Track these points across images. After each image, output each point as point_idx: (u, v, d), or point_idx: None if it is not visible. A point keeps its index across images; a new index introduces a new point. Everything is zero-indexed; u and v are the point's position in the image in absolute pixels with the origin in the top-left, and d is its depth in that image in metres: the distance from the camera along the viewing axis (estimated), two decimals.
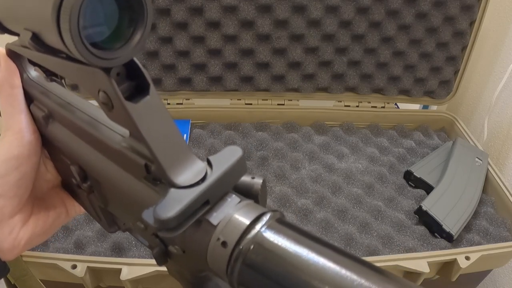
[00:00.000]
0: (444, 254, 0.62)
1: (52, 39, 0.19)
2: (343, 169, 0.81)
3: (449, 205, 0.71)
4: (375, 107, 0.94)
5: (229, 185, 0.21)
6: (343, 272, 0.16)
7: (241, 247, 0.19)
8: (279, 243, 0.18)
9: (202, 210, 0.20)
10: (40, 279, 0.57)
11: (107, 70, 0.19)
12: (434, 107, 1.04)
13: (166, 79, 0.86)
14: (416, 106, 1.05)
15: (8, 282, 0.54)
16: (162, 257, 0.25)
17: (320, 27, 0.83)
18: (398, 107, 1.01)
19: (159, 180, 0.21)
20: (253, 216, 0.19)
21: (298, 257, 0.17)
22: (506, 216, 0.73)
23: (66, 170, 0.31)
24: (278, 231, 0.19)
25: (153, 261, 0.58)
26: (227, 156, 0.21)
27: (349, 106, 0.94)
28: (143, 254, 0.63)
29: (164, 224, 0.18)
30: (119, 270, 0.56)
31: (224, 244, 0.19)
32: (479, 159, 0.81)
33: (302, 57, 0.87)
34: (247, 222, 0.19)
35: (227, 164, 0.21)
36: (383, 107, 0.95)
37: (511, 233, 0.70)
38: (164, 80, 0.86)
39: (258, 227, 0.19)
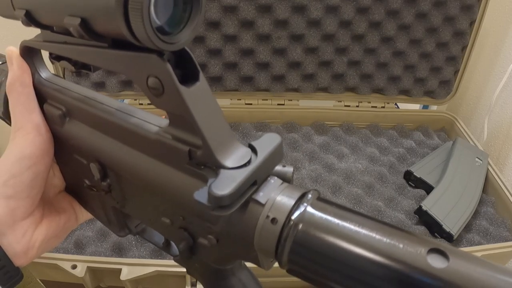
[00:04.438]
0: None
1: (108, 23, 0.19)
2: (343, 169, 0.81)
3: (449, 205, 0.71)
4: (375, 107, 0.94)
5: (271, 169, 0.22)
6: (389, 240, 0.18)
7: (291, 223, 0.19)
8: (327, 218, 0.19)
9: (250, 190, 0.21)
10: (40, 279, 0.57)
11: (161, 55, 0.19)
12: (434, 107, 1.04)
13: None
14: (416, 106, 1.05)
15: None
16: (187, 252, 0.26)
17: (320, 27, 0.83)
18: (398, 107, 1.01)
19: (203, 165, 0.22)
20: (298, 194, 0.21)
21: (345, 229, 0.18)
22: (506, 216, 0.73)
23: (77, 173, 0.31)
24: (322, 207, 0.20)
25: (153, 261, 0.58)
26: (268, 142, 0.22)
27: (349, 106, 0.94)
28: (143, 254, 0.62)
29: (220, 201, 0.19)
30: (119, 270, 0.56)
31: (273, 220, 0.20)
32: (479, 159, 0.81)
33: (302, 57, 0.87)
34: (293, 199, 0.20)
35: (269, 148, 0.22)
36: (383, 107, 0.95)
37: (511, 233, 0.70)
38: None
39: (305, 204, 0.20)
